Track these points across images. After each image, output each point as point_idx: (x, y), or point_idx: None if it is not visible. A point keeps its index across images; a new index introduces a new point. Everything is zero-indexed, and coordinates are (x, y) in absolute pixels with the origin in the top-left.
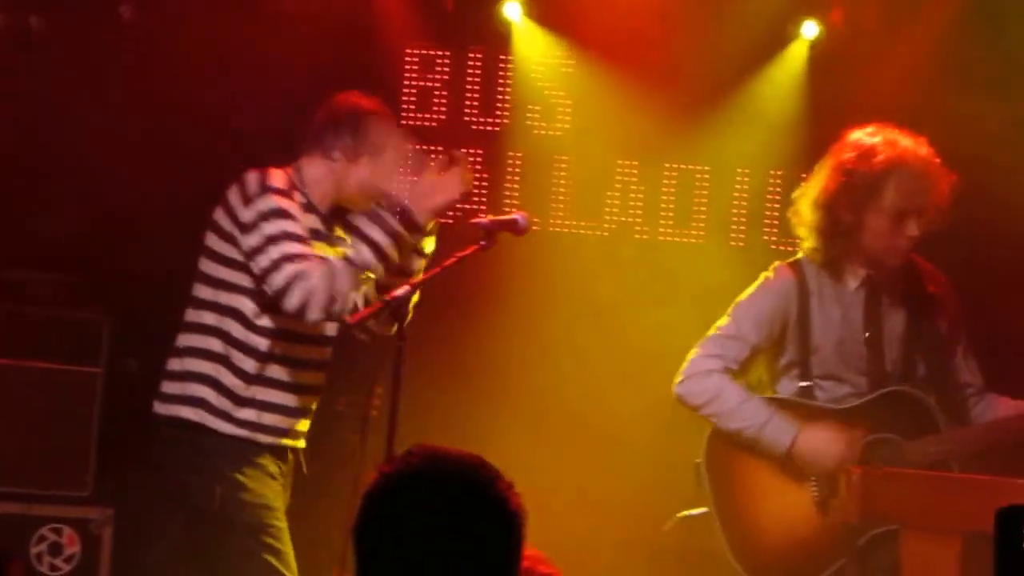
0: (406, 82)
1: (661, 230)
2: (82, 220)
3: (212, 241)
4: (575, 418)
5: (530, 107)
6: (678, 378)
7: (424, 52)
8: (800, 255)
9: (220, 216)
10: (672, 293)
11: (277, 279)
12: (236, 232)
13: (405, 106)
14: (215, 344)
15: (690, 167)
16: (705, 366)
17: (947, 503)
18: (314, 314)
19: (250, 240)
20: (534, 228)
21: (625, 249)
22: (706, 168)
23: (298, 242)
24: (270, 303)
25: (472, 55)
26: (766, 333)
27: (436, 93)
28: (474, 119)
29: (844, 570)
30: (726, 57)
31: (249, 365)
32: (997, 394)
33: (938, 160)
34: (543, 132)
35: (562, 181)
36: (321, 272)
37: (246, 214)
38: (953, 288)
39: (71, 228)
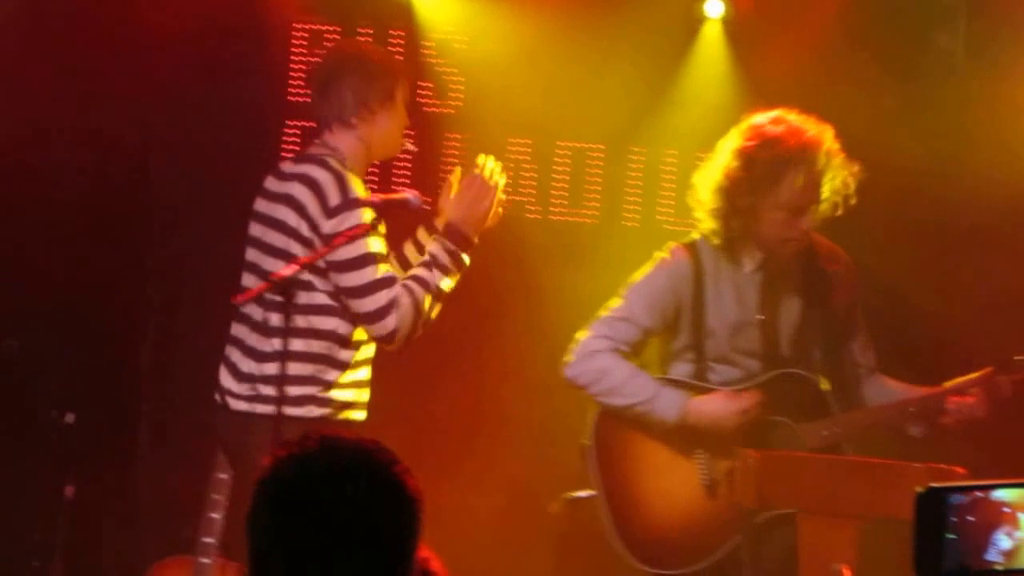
0: (294, 58)
1: (554, 209)
2: None
3: (283, 242)
4: (465, 398)
5: (421, 84)
6: (567, 359)
7: (312, 27)
8: (696, 236)
9: (292, 218)
10: (565, 273)
11: (368, 304)
12: (317, 241)
13: (293, 82)
14: (317, 346)
15: (583, 145)
16: (593, 347)
17: (843, 488)
18: (401, 342)
19: (336, 254)
20: (424, 208)
21: (517, 228)
22: (600, 146)
23: (384, 262)
24: None
25: (362, 30)
26: (659, 315)
27: None
28: None
29: (733, 553)
30: (623, 34)
31: (348, 356)
32: (884, 375)
33: (839, 152)
34: (434, 110)
35: (454, 160)
36: (410, 300)
37: (328, 225)
38: (852, 266)
39: None
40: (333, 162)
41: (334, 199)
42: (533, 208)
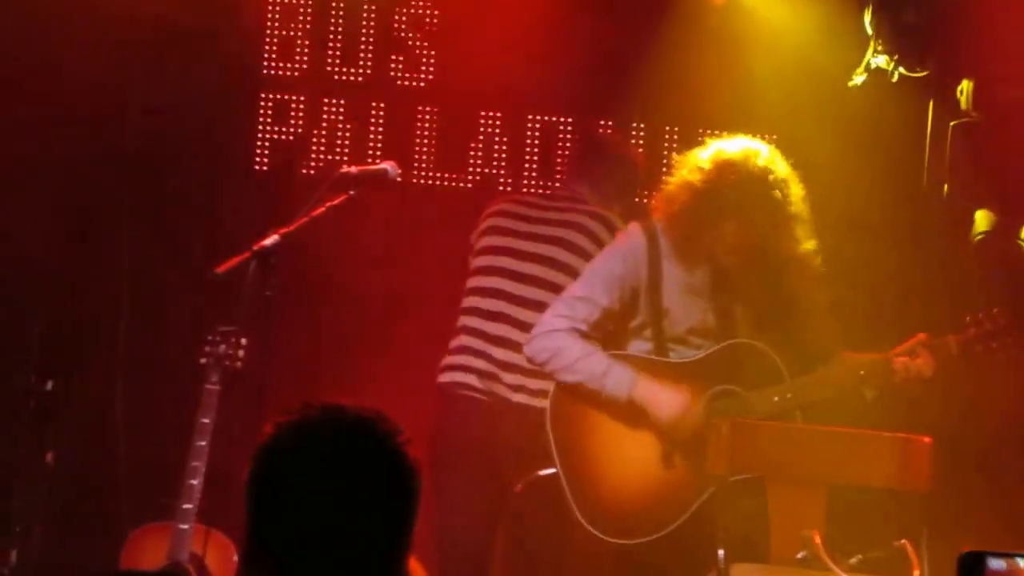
0: (268, 31)
1: (525, 182)
2: None
3: (569, 258)
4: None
5: (393, 58)
6: (529, 336)
7: (286, 0)
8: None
9: (584, 242)
10: None
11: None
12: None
13: (267, 55)
14: None
15: (554, 118)
16: (551, 325)
17: (811, 455)
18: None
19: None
20: (398, 180)
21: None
22: (569, 120)
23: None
24: None
25: (335, 4)
26: (616, 295)
27: (299, 42)
28: (336, 69)
29: (694, 518)
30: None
31: None
32: (847, 352)
33: (792, 181)
34: (406, 83)
35: (425, 133)
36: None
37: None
38: (815, 254)
39: None
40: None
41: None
42: (504, 181)
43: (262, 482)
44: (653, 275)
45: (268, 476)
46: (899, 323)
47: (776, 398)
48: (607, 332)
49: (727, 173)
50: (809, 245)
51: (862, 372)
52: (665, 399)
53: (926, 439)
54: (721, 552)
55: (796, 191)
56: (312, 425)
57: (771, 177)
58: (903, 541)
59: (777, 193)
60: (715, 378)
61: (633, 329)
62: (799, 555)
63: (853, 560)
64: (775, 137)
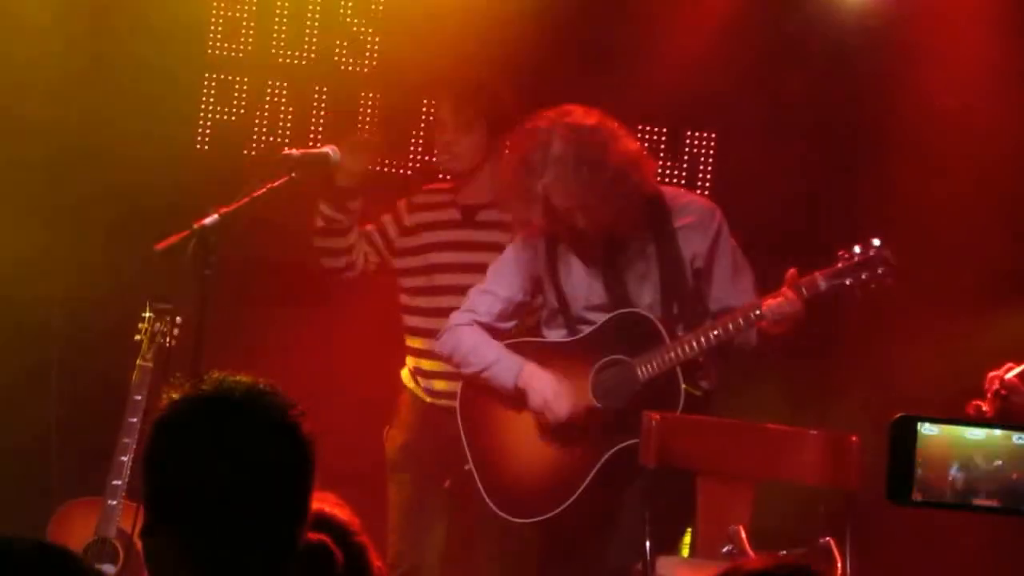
0: (213, 11)
1: None
2: None
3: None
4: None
5: (337, 42)
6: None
7: None
8: None
9: None
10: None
11: None
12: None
13: (212, 37)
14: None
15: None
16: (455, 320)
17: (739, 450)
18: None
19: None
20: (339, 164)
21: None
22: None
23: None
24: None
25: None
26: (517, 285)
27: (244, 24)
28: (281, 52)
29: (590, 490)
30: None
31: None
32: None
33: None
34: (350, 68)
35: (367, 118)
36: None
37: None
38: (714, 211)
39: None
40: None
41: None
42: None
43: (157, 455)
44: (550, 259)
45: (162, 449)
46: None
47: (655, 361)
48: (525, 326)
49: (526, 139)
50: (696, 202)
51: (733, 323)
52: (538, 385)
53: (853, 437)
54: (648, 544)
55: (622, 144)
56: (204, 399)
57: (579, 131)
58: (827, 539)
59: (587, 145)
60: (604, 350)
61: (547, 315)
62: (724, 549)
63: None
64: None
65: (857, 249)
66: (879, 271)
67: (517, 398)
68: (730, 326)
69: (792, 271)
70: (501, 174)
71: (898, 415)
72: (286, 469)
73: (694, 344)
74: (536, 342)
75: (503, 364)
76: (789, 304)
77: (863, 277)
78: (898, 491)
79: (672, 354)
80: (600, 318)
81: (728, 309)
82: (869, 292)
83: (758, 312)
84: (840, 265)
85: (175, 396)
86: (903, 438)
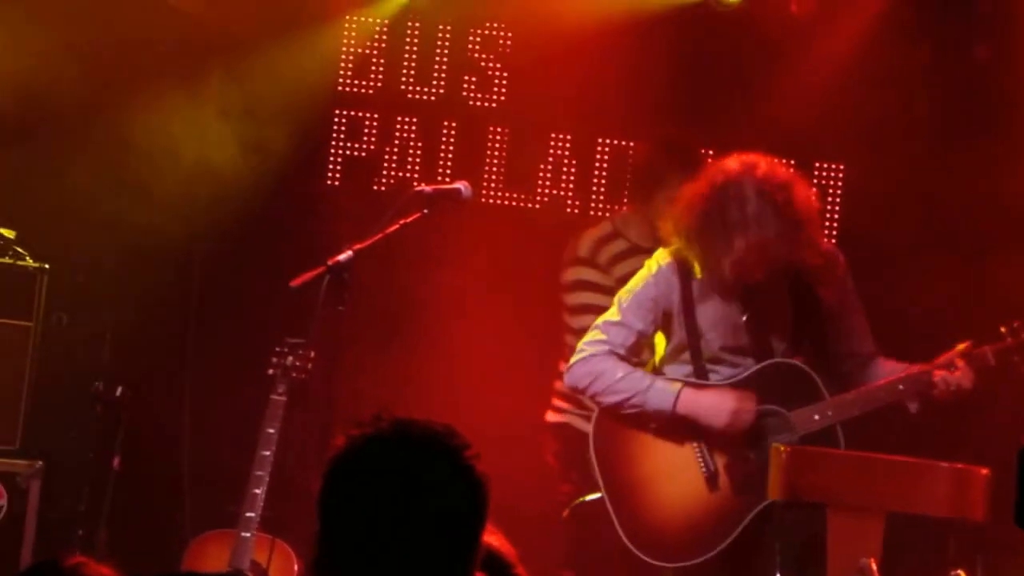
0: (343, 49)
1: (592, 205)
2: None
3: None
4: (498, 386)
5: (466, 78)
6: (568, 366)
7: (362, 19)
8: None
9: None
10: None
11: None
12: None
13: (342, 74)
14: None
15: (623, 142)
16: (589, 351)
17: (870, 483)
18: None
19: None
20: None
21: (556, 222)
22: (633, 144)
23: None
24: None
25: (410, 24)
26: (650, 319)
27: (374, 61)
28: (410, 88)
29: (740, 540)
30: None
31: None
32: (885, 357)
33: (796, 183)
34: (478, 103)
35: (495, 153)
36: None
37: None
38: (839, 256)
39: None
40: None
41: None
42: (572, 203)
43: (333, 493)
44: (685, 296)
45: (339, 487)
46: (936, 328)
47: (817, 416)
48: (643, 360)
49: (726, 189)
50: (824, 247)
51: (901, 387)
52: (712, 402)
53: (983, 470)
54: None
55: (803, 193)
56: (383, 439)
57: (770, 186)
58: (958, 571)
59: (779, 200)
60: (758, 398)
61: (670, 353)
62: None
63: None
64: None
65: (1021, 326)
66: None
67: (668, 432)
68: (900, 387)
69: (966, 344)
70: (687, 221)
71: None
72: (462, 510)
73: (857, 408)
74: (683, 380)
75: (658, 389)
76: (967, 380)
77: None
78: None
79: (831, 412)
80: (740, 361)
81: (850, 353)
82: None
83: (930, 381)
84: (1010, 342)
85: (354, 435)
86: None
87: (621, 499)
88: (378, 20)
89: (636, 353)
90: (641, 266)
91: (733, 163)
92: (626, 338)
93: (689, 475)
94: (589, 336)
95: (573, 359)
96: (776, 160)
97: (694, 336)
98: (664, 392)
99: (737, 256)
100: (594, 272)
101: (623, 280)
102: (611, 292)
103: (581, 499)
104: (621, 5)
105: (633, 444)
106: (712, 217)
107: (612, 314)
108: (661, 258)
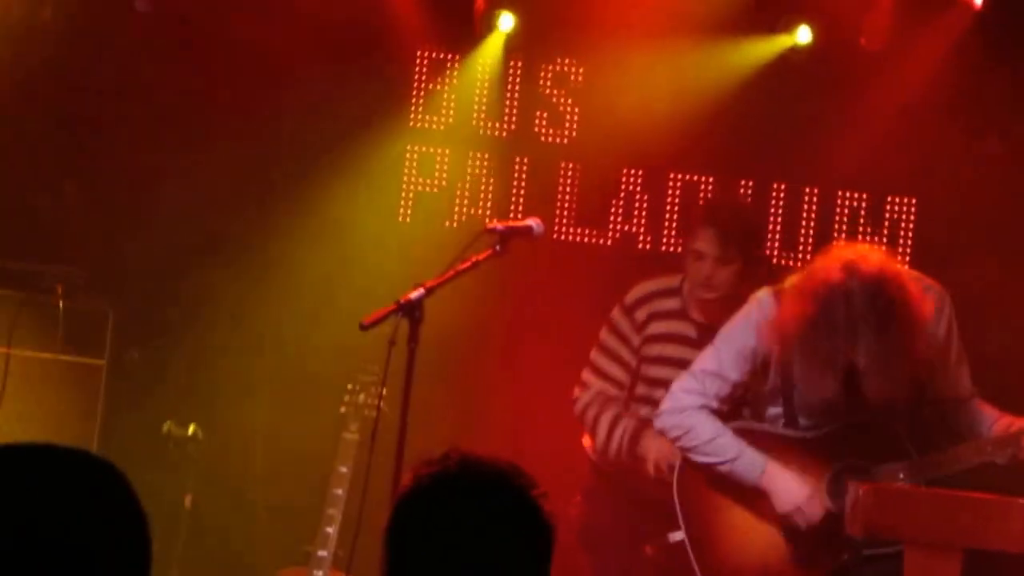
0: (415, 85)
1: (664, 240)
2: (88, 212)
3: None
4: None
5: (537, 113)
6: (659, 410)
7: (434, 55)
8: (788, 284)
9: None
10: None
11: None
12: None
13: (413, 110)
14: None
15: (695, 177)
16: (682, 402)
17: (949, 520)
18: None
19: None
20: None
21: (629, 258)
22: (710, 178)
23: None
24: None
25: (481, 59)
26: (747, 368)
27: (445, 97)
28: (481, 124)
29: None
30: (730, 67)
31: None
32: (981, 400)
33: (908, 281)
34: (550, 139)
35: (567, 189)
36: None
37: None
38: (942, 300)
39: (77, 220)
40: None
41: None
42: (644, 239)
43: (400, 531)
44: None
45: (406, 526)
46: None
47: (902, 475)
48: (736, 399)
49: (824, 295)
50: (931, 302)
51: (989, 449)
52: (785, 488)
53: None
54: None
55: (914, 290)
56: (450, 477)
57: (886, 298)
58: None
59: (898, 311)
60: (844, 453)
61: (768, 392)
62: None
63: None
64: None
65: None
66: None
67: (752, 489)
68: (988, 448)
69: None
70: (791, 327)
71: None
72: (529, 550)
73: (943, 469)
74: (770, 433)
75: (745, 460)
76: None
77: None
78: None
79: (917, 471)
80: (835, 412)
81: (948, 398)
82: None
83: (1019, 444)
84: None
85: (421, 472)
86: None
87: (701, 544)
88: (450, 56)
89: (730, 402)
90: (681, 331)
91: (831, 261)
92: (720, 388)
93: (771, 528)
94: (685, 380)
95: (665, 402)
96: (876, 255)
97: (788, 384)
98: (751, 465)
99: (846, 365)
100: (626, 322)
101: (650, 339)
102: (629, 343)
103: (667, 537)
104: (691, 41)
105: (717, 492)
106: (821, 324)
107: (709, 361)
108: (763, 301)
